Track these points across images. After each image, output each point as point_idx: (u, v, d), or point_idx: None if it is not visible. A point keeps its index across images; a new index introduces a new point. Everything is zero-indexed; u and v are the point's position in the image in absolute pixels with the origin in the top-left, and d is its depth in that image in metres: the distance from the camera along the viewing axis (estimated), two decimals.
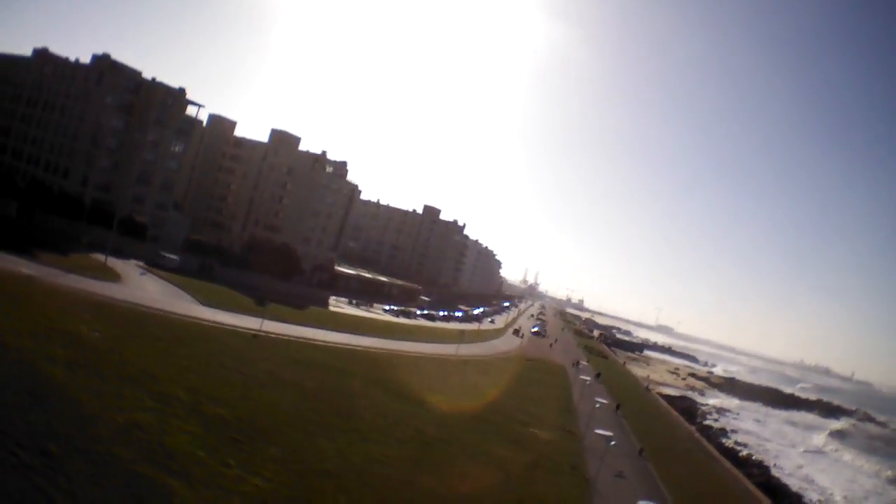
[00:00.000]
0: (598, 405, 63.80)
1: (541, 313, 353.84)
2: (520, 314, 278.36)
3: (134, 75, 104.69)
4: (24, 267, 55.16)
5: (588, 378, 78.88)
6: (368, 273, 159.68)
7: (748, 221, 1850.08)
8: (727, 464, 75.25)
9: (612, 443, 47.41)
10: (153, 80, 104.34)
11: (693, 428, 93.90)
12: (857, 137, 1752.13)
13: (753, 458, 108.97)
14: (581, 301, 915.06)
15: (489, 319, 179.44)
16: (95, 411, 31.32)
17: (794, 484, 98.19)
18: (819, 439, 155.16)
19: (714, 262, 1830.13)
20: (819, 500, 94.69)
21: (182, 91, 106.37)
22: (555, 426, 68.21)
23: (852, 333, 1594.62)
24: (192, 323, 57.70)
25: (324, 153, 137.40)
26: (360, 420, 46.85)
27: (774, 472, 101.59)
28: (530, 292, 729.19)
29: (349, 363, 64.18)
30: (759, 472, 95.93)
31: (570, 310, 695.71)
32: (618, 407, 79.76)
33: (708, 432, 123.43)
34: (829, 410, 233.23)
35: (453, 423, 56.54)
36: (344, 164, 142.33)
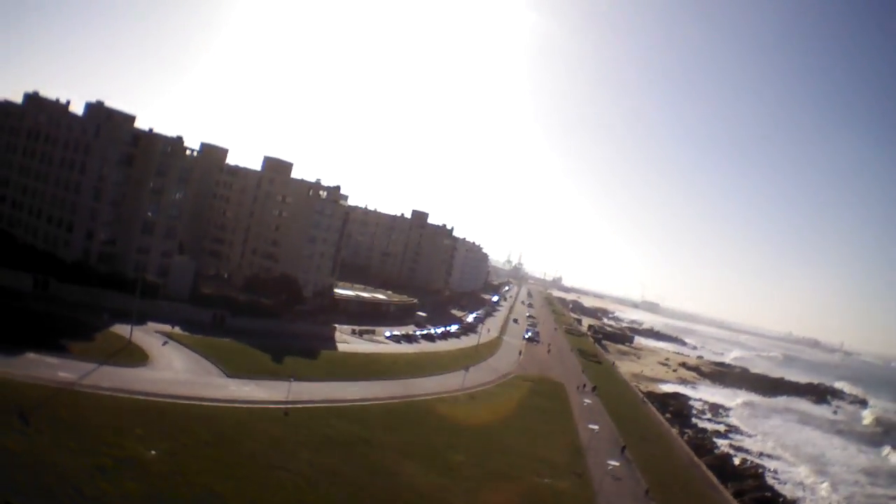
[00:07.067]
0: (610, 467, 68.21)
1: (529, 304, 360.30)
2: (510, 310, 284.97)
3: (130, 124, 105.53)
4: (59, 369, 57.07)
5: (596, 427, 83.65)
6: (366, 293, 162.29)
7: (732, 192, 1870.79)
8: (726, 493, 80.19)
9: None
10: (150, 130, 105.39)
11: (692, 451, 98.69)
12: (846, 109, 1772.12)
13: (749, 464, 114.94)
14: (560, 279, 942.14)
15: (483, 326, 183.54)
16: None
17: (789, 491, 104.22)
18: (811, 433, 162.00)
19: (698, 233, 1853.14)
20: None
21: (180, 139, 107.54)
22: (566, 471, 72.58)
23: (841, 302, 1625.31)
24: (228, 410, 60.69)
25: (318, 181, 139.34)
26: None
27: (769, 480, 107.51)
28: (515, 275, 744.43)
29: (375, 430, 67.52)
30: (754, 484, 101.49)
31: (555, 292, 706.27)
32: (623, 449, 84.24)
33: (703, 435, 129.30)
34: (820, 394, 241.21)
35: (479, 488, 60.32)
36: (337, 188, 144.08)
